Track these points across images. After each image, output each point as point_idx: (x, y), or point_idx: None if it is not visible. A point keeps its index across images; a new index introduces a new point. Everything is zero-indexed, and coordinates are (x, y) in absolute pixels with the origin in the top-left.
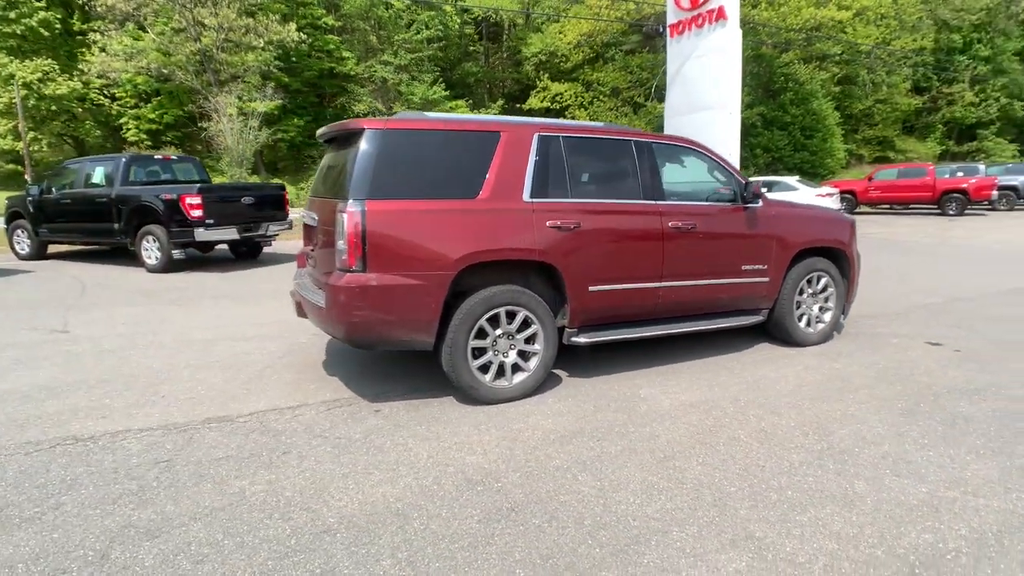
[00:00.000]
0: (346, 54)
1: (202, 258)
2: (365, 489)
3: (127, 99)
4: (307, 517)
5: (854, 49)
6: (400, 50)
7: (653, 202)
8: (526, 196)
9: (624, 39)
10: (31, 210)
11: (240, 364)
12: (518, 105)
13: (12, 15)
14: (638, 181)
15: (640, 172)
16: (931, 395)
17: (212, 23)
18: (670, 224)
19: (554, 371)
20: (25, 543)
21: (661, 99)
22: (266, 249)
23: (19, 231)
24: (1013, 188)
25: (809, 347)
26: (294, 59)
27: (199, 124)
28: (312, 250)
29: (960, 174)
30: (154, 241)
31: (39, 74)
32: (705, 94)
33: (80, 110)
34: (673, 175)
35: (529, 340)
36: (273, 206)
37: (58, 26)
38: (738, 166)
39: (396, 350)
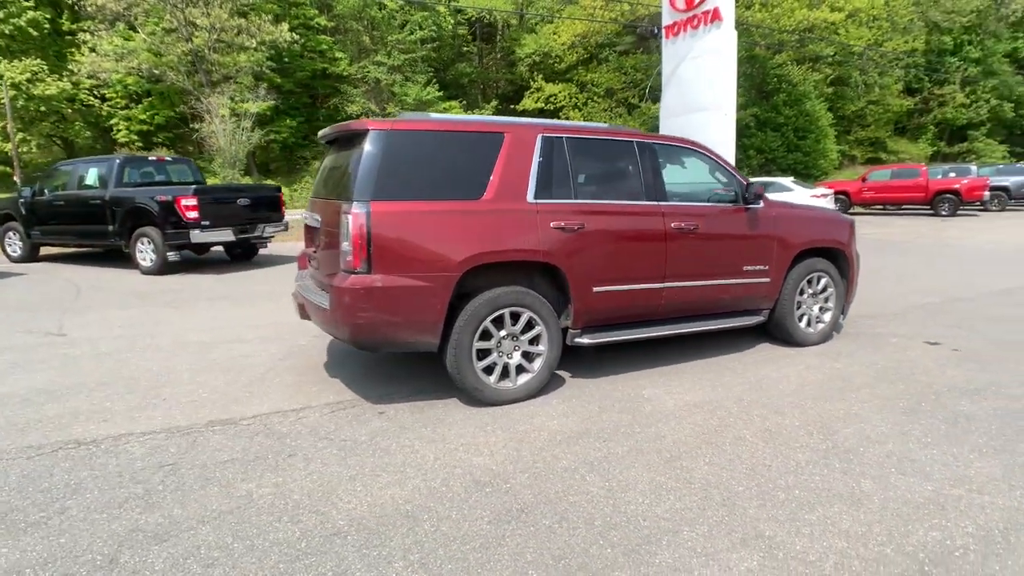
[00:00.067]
0: (339, 55)
1: (197, 260)
2: (373, 491)
3: (117, 100)
4: (316, 520)
5: (847, 50)
6: (393, 51)
7: (656, 203)
8: (530, 197)
9: (618, 40)
10: (23, 212)
11: (240, 366)
12: (512, 106)
13: (0, 15)
14: (641, 182)
15: (643, 173)
16: (932, 394)
17: (204, 23)
18: (673, 225)
19: (557, 372)
20: (32, 548)
21: (655, 100)
22: (261, 251)
23: (10, 233)
24: (1004, 189)
25: (809, 347)
26: (287, 60)
27: (191, 125)
28: (314, 251)
29: (952, 175)
30: (149, 243)
31: (28, 74)
32: (701, 95)
33: (70, 111)
34: (674, 176)
35: (533, 341)
36: (269, 207)
37: (47, 26)
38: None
39: (400, 352)
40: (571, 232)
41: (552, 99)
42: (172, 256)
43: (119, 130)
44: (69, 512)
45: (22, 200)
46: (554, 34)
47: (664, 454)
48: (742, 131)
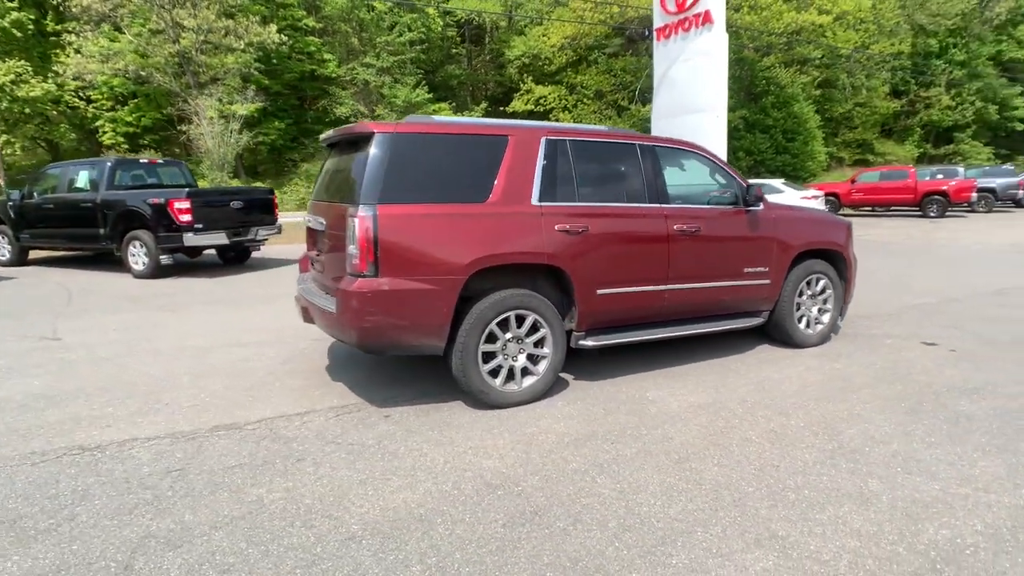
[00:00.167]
0: (327, 56)
1: (190, 263)
2: (385, 495)
3: (103, 101)
4: (330, 524)
5: (834, 53)
6: (382, 52)
7: (658, 205)
8: (534, 199)
9: (607, 42)
10: (12, 216)
11: (241, 371)
12: (501, 108)
13: None
14: (643, 184)
15: (645, 175)
16: (932, 394)
17: (191, 24)
18: (675, 227)
19: (560, 374)
20: (44, 555)
21: (644, 102)
22: (254, 254)
23: None
24: (991, 190)
25: (808, 348)
26: (275, 61)
27: (178, 127)
28: (317, 255)
29: (940, 177)
30: (141, 246)
31: (12, 76)
32: (692, 97)
33: (54, 113)
34: (675, 178)
35: (538, 344)
36: (262, 210)
37: (31, 27)
38: None
39: (406, 355)
40: (575, 234)
41: (542, 101)
42: (165, 259)
43: (105, 132)
44: (79, 519)
45: (11, 203)
46: (543, 36)
47: (673, 456)
48: (731, 133)
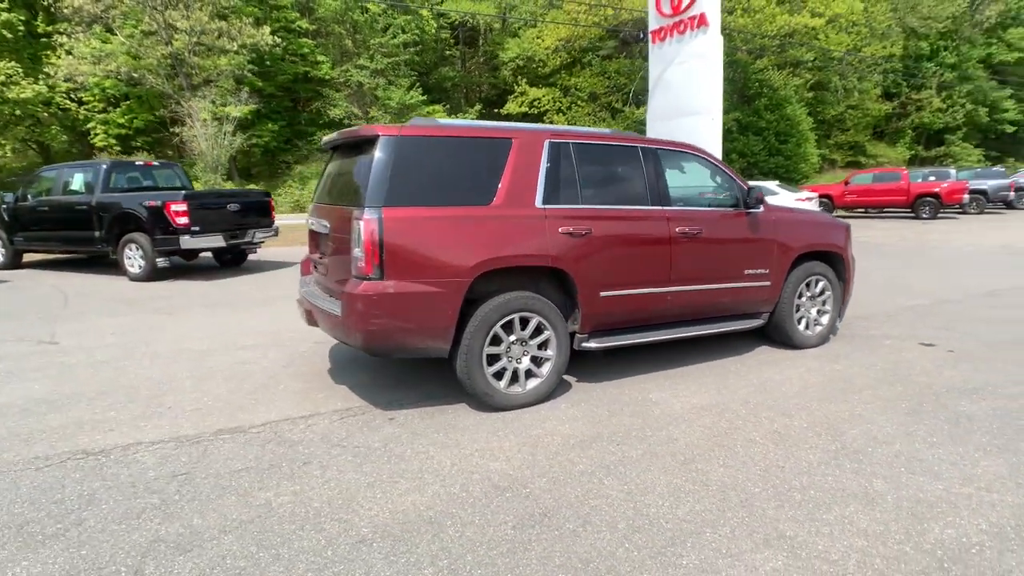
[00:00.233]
0: (321, 58)
1: (186, 266)
2: (393, 498)
3: (95, 103)
4: (340, 527)
5: (826, 56)
6: (376, 54)
7: (661, 208)
8: (538, 202)
9: (601, 44)
10: (6, 218)
11: (242, 374)
12: (496, 110)
13: None
14: (645, 187)
15: (647, 178)
16: (932, 395)
17: (184, 26)
18: (677, 229)
19: (563, 376)
20: (53, 560)
21: (639, 104)
22: (250, 256)
23: None
24: (983, 192)
25: (808, 349)
26: (268, 63)
27: (171, 129)
28: (320, 257)
29: (932, 179)
30: (137, 249)
31: (2, 77)
32: (688, 100)
33: (45, 115)
34: (677, 180)
35: (542, 346)
36: (259, 213)
37: (21, 28)
38: None
39: (411, 358)
40: (579, 237)
41: (536, 103)
42: (161, 262)
43: (96, 134)
44: (86, 524)
45: (4, 206)
46: (538, 38)
47: (678, 457)
48: (724, 135)
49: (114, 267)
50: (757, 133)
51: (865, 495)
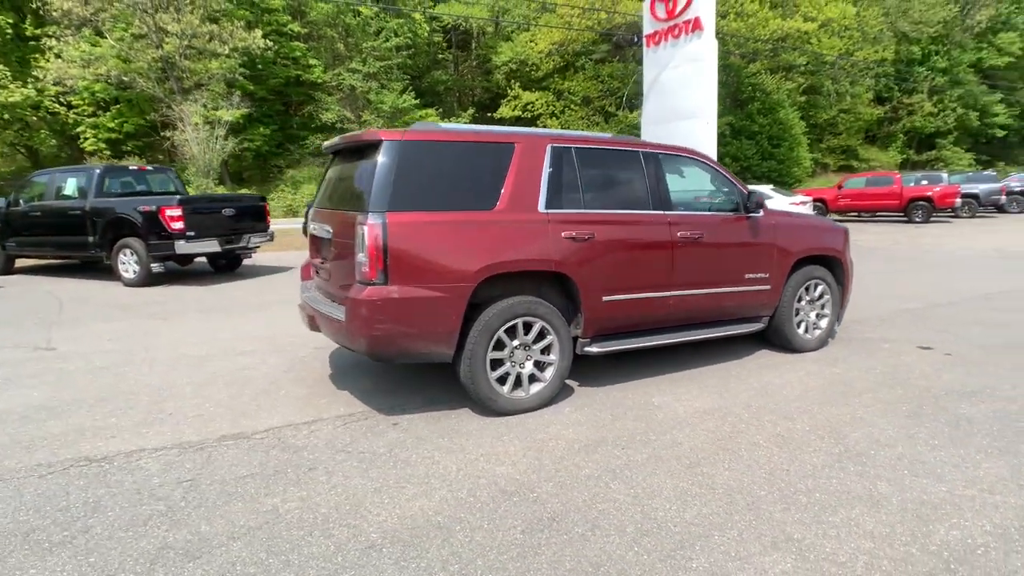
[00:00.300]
0: (313, 61)
1: (180, 271)
2: (401, 503)
3: (84, 107)
4: (349, 533)
5: (819, 60)
6: (368, 58)
7: (662, 212)
8: (541, 207)
9: (595, 48)
10: None
11: (243, 379)
12: (489, 114)
13: None
14: (647, 191)
15: (649, 182)
16: (931, 397)
17: (174, 29)
18: (679, 234)
19: (566, 381)
20: (62, 568)
21: (632, 108)
22: (245, 261)
23: None
24: (975, 196)
25: (807, 353)
26: (260, 66)
27: (162, 133)
28: (322, 262)
29: (925, 183)
30: (132, 254)
31: None
32: (682, 104)
33: (34, 119)
34: (677, 185)
35: (545, 351)
36: (254, 217)
37: (9, 31)
38: None
39: (415, 363)
40: (581, 241)
41: (529, 107)
42: (156, 267)
43: (86, 138)
44: (93, 531)
45: None
46: (531, 42)
47: (683, 460)
48: (718, 139)
49: (107, 272)
50: (750, 137)
51: (870, 497)
